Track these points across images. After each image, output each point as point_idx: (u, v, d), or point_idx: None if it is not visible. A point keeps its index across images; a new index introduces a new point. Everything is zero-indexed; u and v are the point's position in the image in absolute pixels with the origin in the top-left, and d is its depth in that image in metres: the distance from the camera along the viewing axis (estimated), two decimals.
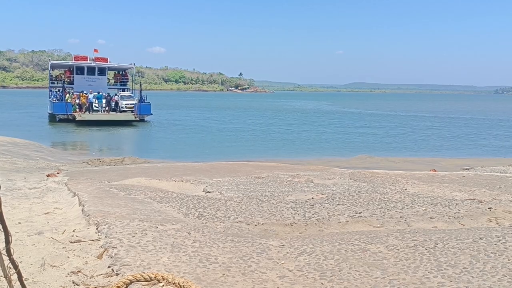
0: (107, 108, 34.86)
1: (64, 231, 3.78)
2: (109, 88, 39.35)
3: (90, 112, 33.73)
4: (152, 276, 2.32)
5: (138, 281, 2.32)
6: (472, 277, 2.54)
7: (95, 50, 39.91)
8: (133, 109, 34.26)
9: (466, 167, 13.58)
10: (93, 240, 3.40)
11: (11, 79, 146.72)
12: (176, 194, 5.43)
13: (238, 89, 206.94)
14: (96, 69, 38.46)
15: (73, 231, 3.73)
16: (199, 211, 4.41)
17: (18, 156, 12.51)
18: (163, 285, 2.33)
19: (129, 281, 2.30)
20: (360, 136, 28.84)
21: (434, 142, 26.10)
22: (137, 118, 32.86)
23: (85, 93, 34.29)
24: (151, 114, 34.70)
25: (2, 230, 1.83)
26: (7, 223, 1.86)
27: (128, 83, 42.62)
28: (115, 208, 4.33)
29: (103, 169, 9.53)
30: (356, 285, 2.48)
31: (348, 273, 2.66)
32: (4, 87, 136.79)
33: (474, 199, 4.97)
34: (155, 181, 6.76)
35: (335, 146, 23.59)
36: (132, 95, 37.58)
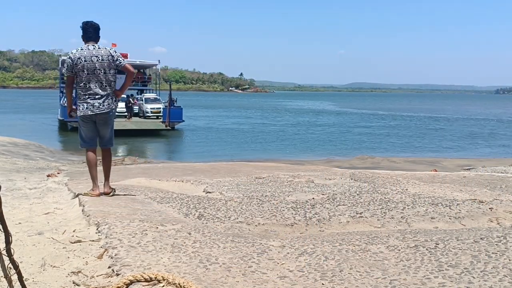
0: (128, 114, 28.50)
1: (65, 231, 3.77)
2: (128, 88, 35.37)
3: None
4: (153, 276, 2.32)
5: (138, 281, 2.32)
6: (473, 277, 2.54)
7: (113, 45, 33.97)
8: (160, 114, 28.22)
9: (467, 167, 13.58)
10: (93, 241, 3.40)
11: (11, 79, 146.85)
12: (177, 194, 5.43)
13: (239, 89, 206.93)
14: None
15: (74, 231, 3.73)
16: (200, 212, 4.40)
17: (18, 156, 12.51)
18: (163, 286, 2.33)
19: (129, 282, 2.30)
20: (360, 136, 28.85)
21: (435, 142, 26.10)
22: (168, 127, 26.28)
23: None
24: (183, 120, 28.07)
25: (2, 230, 1.83)
26: (8, 223, 1.86)
27: (150, 83, 36.64)
28: (115, 208, 4.33)
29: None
30: (357, 285, 2.48)
31: (348, 273, 2.65)
32: (4, 87, 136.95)
33: (475, 199, 4.96)
34: (155, 181, 6.77)
35: (335, 146, 23.60)
36: (158, 97, 31.51)
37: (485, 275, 2.57)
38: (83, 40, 4.82)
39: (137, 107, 30.59)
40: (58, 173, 8.66)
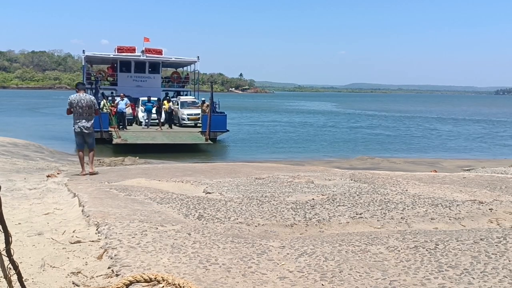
0: (160, 121, 22.75)
1: (64, 231, 3.77)
2: (163, 90, 28.14)
3: (142, 127, 22.52)
4: (152, 277, 2.32)
5: (138, 282, 2.31)
6: (473, 278, 2.54)
7: (146, 39, 27.92)
8: (199, 121, 22.58)
9: (466, 168, 13.57)
10: (93, 241, 3.40)
11: (12, 80, 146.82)
12: (176, 195, 5.43)
13: (239, 90, 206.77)
14: (147, 65, 27.62)
15: (73, 231, 3.73)
16: (199, 212, 4.40)
17: (18, 156, 12.51)
18: (163, 286, 2.33)
19: (129, 282, 2.30)
20: (360, 136, 28.85)
21: (434, 143, 26.10)
22: (208, 140, 19.74)
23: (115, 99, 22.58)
24: (227, 130, 22.12)
25: (2, 230, 1.83)
26: (7, 223, 1.86)
27: (188, 84, 31.21)
28: (115, 209, 4.33)
29: (103, 170, 9.52)
30: (357, 286, 2.48)
31: (348, 274, 2.65)
32: (4, 87, 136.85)
33: (475, 200, 4.96)
34: (155, 181, 6.76)
35: (335, 147, 23.59)
36: (196, 100, 25.57)
37: (485, 276, 2.57)
38: (76, 90, 8.29)
39: (168, 112, 24.86)
40: (58, 173, 8.66)
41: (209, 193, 5.65)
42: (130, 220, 3.82)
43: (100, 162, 12.75)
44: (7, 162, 10.57)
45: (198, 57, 27.26)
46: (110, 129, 19.70)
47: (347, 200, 4.96)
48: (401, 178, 6.81)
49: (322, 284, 2.51)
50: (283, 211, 4.46)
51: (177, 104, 24.86)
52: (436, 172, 9.56)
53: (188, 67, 30.45)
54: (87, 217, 4.03)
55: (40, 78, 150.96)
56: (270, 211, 4.47)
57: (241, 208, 4.58)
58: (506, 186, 6.04)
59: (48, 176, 7.97)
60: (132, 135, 20.07)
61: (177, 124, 24.09)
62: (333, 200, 4.94)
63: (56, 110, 46.79)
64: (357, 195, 5.28)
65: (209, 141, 19.85)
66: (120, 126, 20.85)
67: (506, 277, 2.53)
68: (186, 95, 29.17)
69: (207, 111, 20.66)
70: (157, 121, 22.82)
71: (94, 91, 21.73)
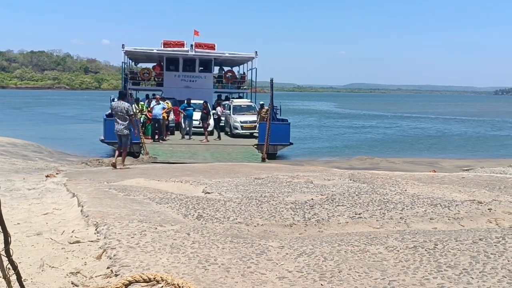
0: (206, 131, 17.57)
1: (63, 231, 3.77)
2: (215, 91, 24.07)
3: (184, 136, 17.72)
4: (151, 277, 2.32)
5: (137, 282, 2.31)
6: (472, 278, 2.54)
7: (196, 33, 23.50)
8: (255, 131, 18.20)
9: (465, 168, 13.57)
10: (92, 241, 3.40)
11: (10, 79, 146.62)
12: (175, 195, 5.43)
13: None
14: (197, 62, 23.22)
15: (72, 231, 3.73)
16: (198, 212, 4.40)
17: (17, 156, 12.50)
18: (162, 286, 2.33)
19: (128, 282, 2.30)
20: (360, 137, 28.86)
21: (433, 143, 26.12)
22: (265, 157, 14.45)
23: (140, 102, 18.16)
24: (291, 143, 17.27)
25: (1, 231, 1.83)
26: (6, 223, 1.86)
27: (244, 84, 25.99)
28: (114, 209, 4.33)
29: (102, 170, 9.53)
30: (356, 286, 2.48)
31: (347, 274, 2.65)
32: (3, 87, 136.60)
33: (474, 200, 4.97)
34: (154, 181, 6.76)
35: (335, 147, 23.59)
36: (252, 104, 21.03)
37: (484, 275, 2.57)
38: (118, 97, 10.45)
39: (223, 118, 20.11)
40: (57, 173, 8.65)
41: (208, 193, 5.65)
42: (129, 220, 3.82)
43: (99, 162, 12.75)
44: (6, 162, 10.56)
45: (256, 52, 22.22)
46: (141, 141, 14.57)
47: (346, 200, 4.97)
48: (400, 178, 6.81)
49: (321, 284, 2.51)
50: (282, 211, 4.47)
51: (229, 109, 20.31)
52: (435, 172, 9.56)
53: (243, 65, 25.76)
54: (86, 217, 4.03)
55: (39, 78, 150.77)
56: (269, 211, 4.47)
57: (240, 208, 4.58)
58: (505, 186, 6.05)
59: (47, 176, 7.96)
60: (166, 149, 15.35)
61: (229, 133, 19.71)
62: (332, 200, 4.94)
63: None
64: (356, 195, 5.28)
65: (267, 160, 14.38)
66: (156, 137, 16.70)
67: (505, 277, 2.53)
68: (240, 97, 24.68)
69: (265, 118, 16.21)
70: (202, 129, 17.80)
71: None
